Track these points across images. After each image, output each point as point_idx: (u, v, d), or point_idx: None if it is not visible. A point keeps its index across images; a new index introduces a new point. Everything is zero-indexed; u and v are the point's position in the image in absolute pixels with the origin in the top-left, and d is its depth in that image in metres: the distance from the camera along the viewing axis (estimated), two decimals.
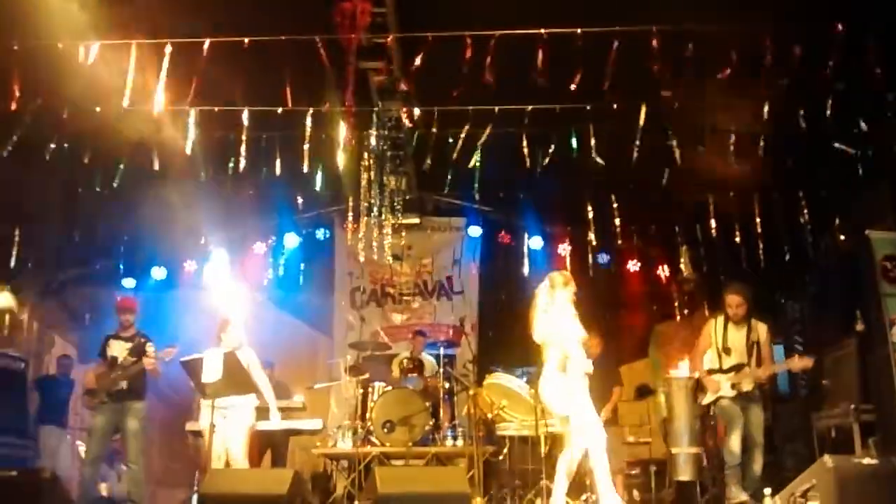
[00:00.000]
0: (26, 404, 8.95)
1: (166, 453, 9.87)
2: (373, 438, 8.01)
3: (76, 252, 9.49)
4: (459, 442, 8.09)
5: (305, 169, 7.49)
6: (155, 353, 6.98)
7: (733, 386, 6.59)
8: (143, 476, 7.03)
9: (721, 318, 6.85)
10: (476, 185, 8.24)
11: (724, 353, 6.72)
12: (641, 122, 6.93)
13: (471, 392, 7.79)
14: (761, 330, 6.75)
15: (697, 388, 7.07)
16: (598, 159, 7.28)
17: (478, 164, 7.77)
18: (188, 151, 7.09)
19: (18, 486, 5.58)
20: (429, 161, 7.94)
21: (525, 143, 7.45)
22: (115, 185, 7.75)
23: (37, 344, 10.28)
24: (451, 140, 7.67)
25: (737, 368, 6.63)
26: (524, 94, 6.91)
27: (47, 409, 9.10)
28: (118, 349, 7.13)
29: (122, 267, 10.46)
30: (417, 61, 6.50)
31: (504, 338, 11.06)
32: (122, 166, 7.61)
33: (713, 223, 8.63)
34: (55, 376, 9.54)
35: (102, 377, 7.05)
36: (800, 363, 6.71)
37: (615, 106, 6.88)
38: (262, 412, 7.36)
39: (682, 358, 9.66)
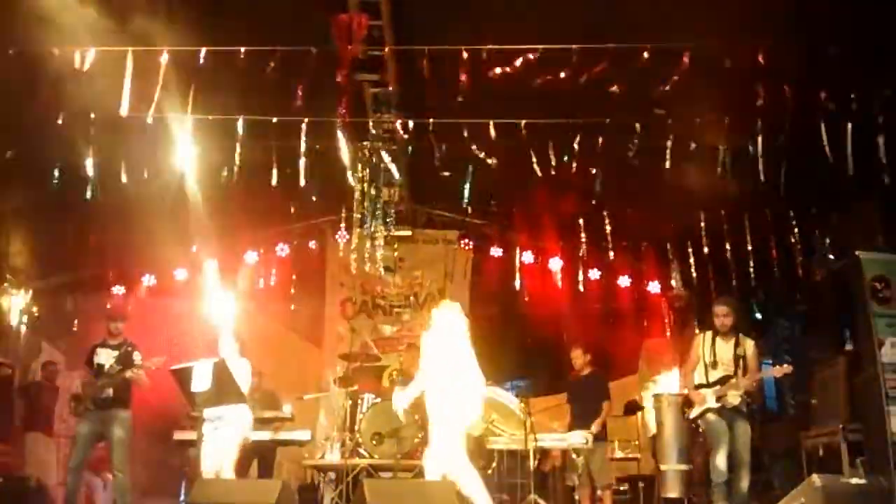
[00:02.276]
0: (12, 411, 8.89)
1: (152, 463, 9.77)
2: (361, 450, 7.98)
3: (66, 258, 9.43)
4: None
5: (299, 179, 7.48)
6: (141, 363, 6.94)
7: (719, 399, 6.60)
8: (129, 484, 6.98)
9: (709, 333, 6.90)
10: (468, 199, 8.26)
11: (710, 367, 6.76)
12: (635, 138, 6.96)
13: None
14: (748, 344, 6.81)
15: (685, 403, 7.08)
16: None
17: (470, 176, 7.79)
18: (181, 159, 7.08)
19: (4, 494, 5.54)
20: (421, 174, 7.98)
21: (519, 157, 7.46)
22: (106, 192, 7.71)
23: (24, 350, 10.21)
24: (444, 152, 7.69)
25: (723, 381, 6.66)
26: (518, 107, 6.95)
27: (33, 417, 9.03)
28: (105, 357, 7.08)
29: (111, 274, 10.41)
30: (412, 74, 6.55)
31: (494, 352, 11.05)
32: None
33: (704, 240, 8.66)
34: (40, 383, 9.47)
35: (88, 385, 7.00)
36: (780, 370, 6.81)
37: (608, 121, 6.91)
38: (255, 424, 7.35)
39: (667, 371, 9.73)
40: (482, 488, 5.82)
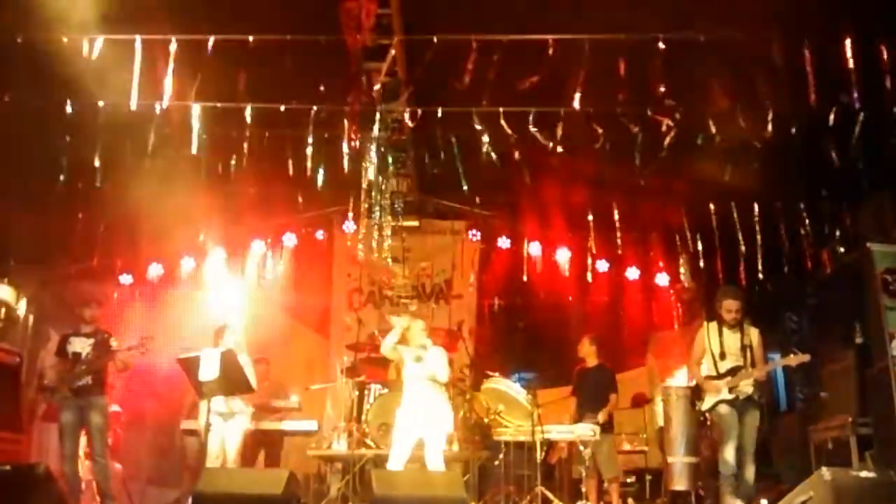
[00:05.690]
0: (19, 399, 8.88)
1: (157, 452, 9.80)
2: (368, 441, 7.97)
3: (75, 247, 9.41)
4: (455, 446, 8.06)
5: (306, 168, 7.45)
6: (118, 348, 6.96)
7: (731, 390, 6.57)
8: (111, 469, 7.04)
9: (714, 324, 6.84)
10: (477, 189, 8.22)
11: (719, 359, 6.71)
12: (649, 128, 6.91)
13: (467, 396, 7.76)
14: (753, 334, 6.77)
15: (695, 395, 7.04)
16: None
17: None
18: (190, 148, 7.06)
19: (12, 481, 5.53)
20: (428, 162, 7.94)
21: (527, 147, 7.41)
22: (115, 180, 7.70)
23: (32, 338, 10.20)
24: (453, 142, 7.64)
25: (733, 372, 6.61)
26: (527, 97, 6.90)
27: None
28: (80, 345, 7.07)
29: (119, 263, 10.41)
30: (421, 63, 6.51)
31: (501, 343, 11.04)
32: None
33: (714, 232, 8.61)
34: None
35: (64, 373, 7.00)
36: (796, 359, 6.71)
37: (619, 111, 6.85)
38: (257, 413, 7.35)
39: (680, 367, 9.67)
40: None
